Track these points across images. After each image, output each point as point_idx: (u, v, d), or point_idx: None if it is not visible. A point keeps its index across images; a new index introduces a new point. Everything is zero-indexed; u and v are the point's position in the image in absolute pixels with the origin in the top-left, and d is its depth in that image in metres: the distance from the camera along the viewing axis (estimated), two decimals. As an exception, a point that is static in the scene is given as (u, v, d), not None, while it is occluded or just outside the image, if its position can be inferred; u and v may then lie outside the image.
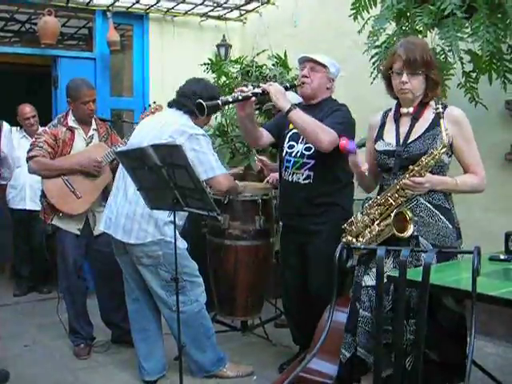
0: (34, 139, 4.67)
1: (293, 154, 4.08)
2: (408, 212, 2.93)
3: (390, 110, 3.27)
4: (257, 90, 3.76)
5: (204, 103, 3.52)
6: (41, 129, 4.78)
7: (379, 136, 3.22)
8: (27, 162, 4.57)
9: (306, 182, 4.01)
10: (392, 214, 2.97)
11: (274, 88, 3.76)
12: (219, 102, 3.64)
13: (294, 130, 4.06)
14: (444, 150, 2.87)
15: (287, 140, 4.17)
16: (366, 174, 3.22)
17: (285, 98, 3.78)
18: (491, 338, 4.77)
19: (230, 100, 3.72)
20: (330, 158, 3.81)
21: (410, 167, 2.93)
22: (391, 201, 3.00)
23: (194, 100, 3.82)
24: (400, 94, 3.10)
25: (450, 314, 2.88)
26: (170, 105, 4.19)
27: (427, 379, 2.77)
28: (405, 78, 3.03)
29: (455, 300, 2.87)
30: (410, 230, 2.93)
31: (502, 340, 4.75)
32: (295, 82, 4.12)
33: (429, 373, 2.78)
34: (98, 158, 4.58)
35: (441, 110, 2.85)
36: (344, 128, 3.78)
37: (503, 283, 2.58)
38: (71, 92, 4.66)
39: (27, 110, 6.51)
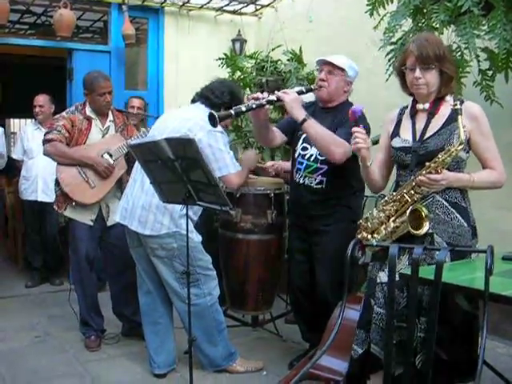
0: (51, 123, 4.68)
1: (306, 157, 4.06)
2: (424, 209, 2.91)
3: (407, 107, 3.25)
4: (271, 98, 3.70)
5: (215, 114, 3.45)
6: (59, 115, 4.77)
7: (395, 133, 3.20)
8: (43, 144, 4.58)
9: (319, 187, 4.00)
10: (407, 211, 2.95)
11: (289, 97, 3.71)
12: (232, 112, 3.55)
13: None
14: (461, 146, 2.85)
15: (301, 142, 4.14)
16: (369, 163, 3.17)
17: (300, 108, 3.75)
18: (503, 339, 4.75)
19: (244, 110, 3.63)
20: (344, 164, 3.79)
21: (427, 164, 2.90)
22: (407, 197, 2.98)
23: (220, 99, 3.97)
24: (415, 89, 3.08)
25: (462, 313, 2.86)
26: (194, 100, 4.20)
27: (436, 378, 2.76)
28: (418, 73, 3.01)
29: (467, 299, 2.86)
30: (426, 228, 2.91)
31: (514, 340, 4.74)
32: (312, 86, 4.06)
33: (438, 372, 2.77)
34: (110, 160, 4.59)
35: (459, 106, 2.82)
36: None
37: (516, 283, 2.56)
38: (88, 84, 4.67)
39: (39, 98, 6.53)
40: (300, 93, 3.86)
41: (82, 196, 4.57)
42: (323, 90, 4.00)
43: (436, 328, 2.52)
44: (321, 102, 4.11)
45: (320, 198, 4.00)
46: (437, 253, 2.87)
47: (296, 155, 4.16)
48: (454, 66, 3.03)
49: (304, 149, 4.10)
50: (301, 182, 4.08)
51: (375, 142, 3.73)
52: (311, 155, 4.04)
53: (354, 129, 3.05)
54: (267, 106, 3.76)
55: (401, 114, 3.26)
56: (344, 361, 3.27)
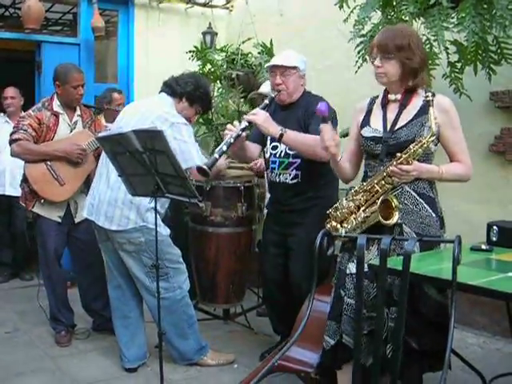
0: (17, 122, 4.62)
1: (277, 155, 4.07)
2: (394, 199, 2.92)
3: (377, 96, 3.25)
4: (244, 125, 3.72)
5: (204, 166, 3.51)
6: (24, 113, 4.72)
7: (366, 122, 3.19)
8: (10, 144, 4.51)
9: (294, 181, 4.01)
10: (378, 201, 2.95)
11: (260, 118, 3.73)
12: (216, 156, 3.59)
13: None
14: (433, 138, 2.86)
15: (269, 142, 4.15)
16: (339, 159, 3.18)
17: (273, 124, 3.77)
18: (472, 329, 4.80)
19: (226, 149, 3.65)
20: None
21: (398, 155, 2.91)
22: (377, 187, 2.98)
23: (183, 88, 4.01)
24: (377, 78, 3.10)
25: (431, 302, 2.88)
26: (161, 90, 4.18)
27: (407, 367, 2.77)
28: (377, 62, 3.03)
29: (437, 289, 2.88)
30: (396, 218, 2.92)
31: (482, 331, 4.78)
32: (272, 94, 4.00)
33: (409, 361, 2.79)
34: (82, 145, 4.54)
35: (431, 98, 2.83)
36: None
37: (484, 273, 2.57)
38: (60, 76, 4.60)
39: (8, 91, 6.51)
40: (266, 107, 3.87)
41: (52, 194, 4.52)
42: (283, 93, 3.99)
43: (404, 318, 2.53)
44: (281, 102, 4.10)
45: (297, 191, 4.01)
46: (406, 243, 2.90)
47: (268, 155, 4.17)
48: (421, 57, 3.01)
49: (274, 148, 4.11)
50: (277, 180, 4.09)
51: (345, 135, 3.73)
52: (281, 151, 4.05)
53: (321, 127, 3.05)
54: (243, 134, 3.77)
55: (371, 103, 3.25)
56: (315, 352, 3.29)
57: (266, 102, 3.91)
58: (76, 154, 4.51)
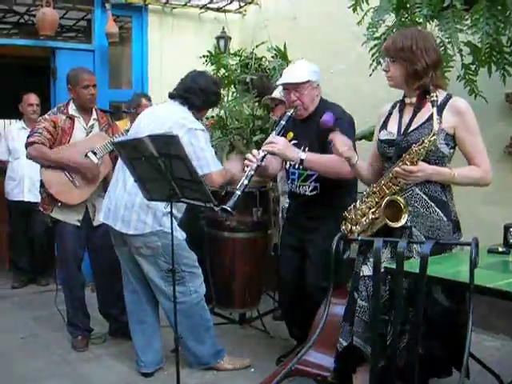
0: (29, 128, 4.64)
1: (296, 166, 4.01)
2: (401, 201, 2.90)
3: (401, 100, 3.25)
4: (263, 154, 3.67)
5: (228, 208, 3.47)
6: (41, 116, 4.75)
7: (383, 125, 3.20)
8: (26, 147, 4.54)
9: (313, 193, 4.00)
10: (383, 203, 2.95)
11: (279, 146, 3.69)
12: (238, 193, 3.55)
13: (294, 141, 4.01)
14: (434, 137, 2.83)
15: None
16: (355, 161, 3.18)
17: (293, 150, 3.76)
18: (490, 332, 4.77)
19: (247, 183, 3.60)
20: None
21: (403, 155, 2.91)
22: (385, 189, 2.98)
23: (200, 96, 4.03)
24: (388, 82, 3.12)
25: (439, 307, 2.85)
26: (172, 96, 4.18)
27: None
28: (384, 65, 3.04)
29: (445, 294, 2.86)
30: (403, 220, 2.90)
31: (500, 333, 4.75)
32: (289, 113, 3.93)
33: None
34: (94, 159, 4.56)
35: (435, 98, 2.82)
36: (350, 137, 3.61)
37: (501, 275, 2.56)
38: (71, 78, 4.65)
39: (33, 97, 6.53)
40: (282, 129, 3.85)
41: (67, 197, 4.54)
42: (300, 108, 3.95)
43: (421, 321, 2.52)
44: (299, 118, 4.05)
45: (316, 202, 4.00)
46: (414, 246, 2.89)
47: (287, 166, 4.15)
48: (427, 60, 2.96)
49: None
50: (297, 191, 4.08)
51: (360, 138, 3.72)
52: None
53: (330, 137, 3.11)
54: (263, 164, 3.71)
55: (393, 107, 3.25)
56: (331, 356, 3.28)
57: (283, 122, 3.87)
58: (87, 168, 4.53)
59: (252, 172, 3.63)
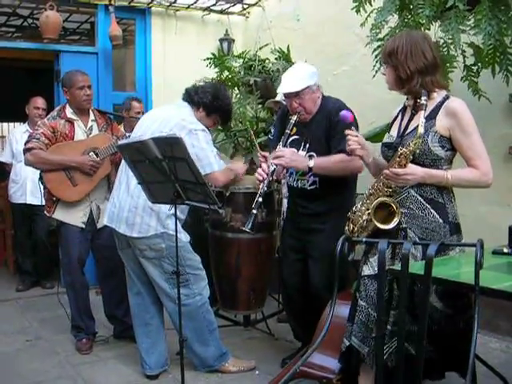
0: (32, 131, 4.64)
1: None
2: (392, 203, 2.90)
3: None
4: (272, 168, 3.75)
5: (248, 230, 3.64)
6: (40, 121, 4.76)
7: (389, 129, 3.21)
8: (24, 153, 4.54)
9: (313, 187, 3.99)
10: (373, 205, 2.96)
11: (286, 159, 3.73)
12: (254, 211, 3.69)
13: (295, 136, 4.02)
14: (419, 140, 2.81)
15: (288, 146, 4.06)
16: (369, 160, 3.19)
17: (300, 160, 3.80)
18: (495, 333, 4.76)
19: (261, 200, 3.72)
20: None
21: (393, 158, 2.91)
22: (379, 191, 2.99)
23: (201, 98, 4.07)
24: None
25: (432, 310, 2.85)
26: (184, 97, 4.22)
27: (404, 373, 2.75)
28: (382, 69, 3.05)
29: (438, 296, 2.86)
30: (393, 223, 2.91)
31: (505, 335, 4.74)
32: (292, 120, 3.94)
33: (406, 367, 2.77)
34: (95, 156, 4.55)
35: (423, 102, 2.82)
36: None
37: (507, 277, 2.55)
38: (66, 81, 4.67)
39: (39, 101, 6.55)
40: (288, 137, 3.92)
41: (64, 194, 4.53)
42: (302, 113, 3.95)
43: (426, 323, 2.52)
44: (303, 121, 4.04)
45: (316, 197, 3.99)
46: (413, 247, 2.89)
47: None
48: (410, 65, 2.94)
49: None
50: (295, 185, 4.08)
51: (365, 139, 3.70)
52: None
53: (347, 132, 3.09)
54: (274, 177, 3.83)
55: (400, 110, 3.25)
56: (336, 358, 3.27)
57: (287, 131, 3.91)
58: (89, 166, 4.52)
59: (265, 189, 3.73)
